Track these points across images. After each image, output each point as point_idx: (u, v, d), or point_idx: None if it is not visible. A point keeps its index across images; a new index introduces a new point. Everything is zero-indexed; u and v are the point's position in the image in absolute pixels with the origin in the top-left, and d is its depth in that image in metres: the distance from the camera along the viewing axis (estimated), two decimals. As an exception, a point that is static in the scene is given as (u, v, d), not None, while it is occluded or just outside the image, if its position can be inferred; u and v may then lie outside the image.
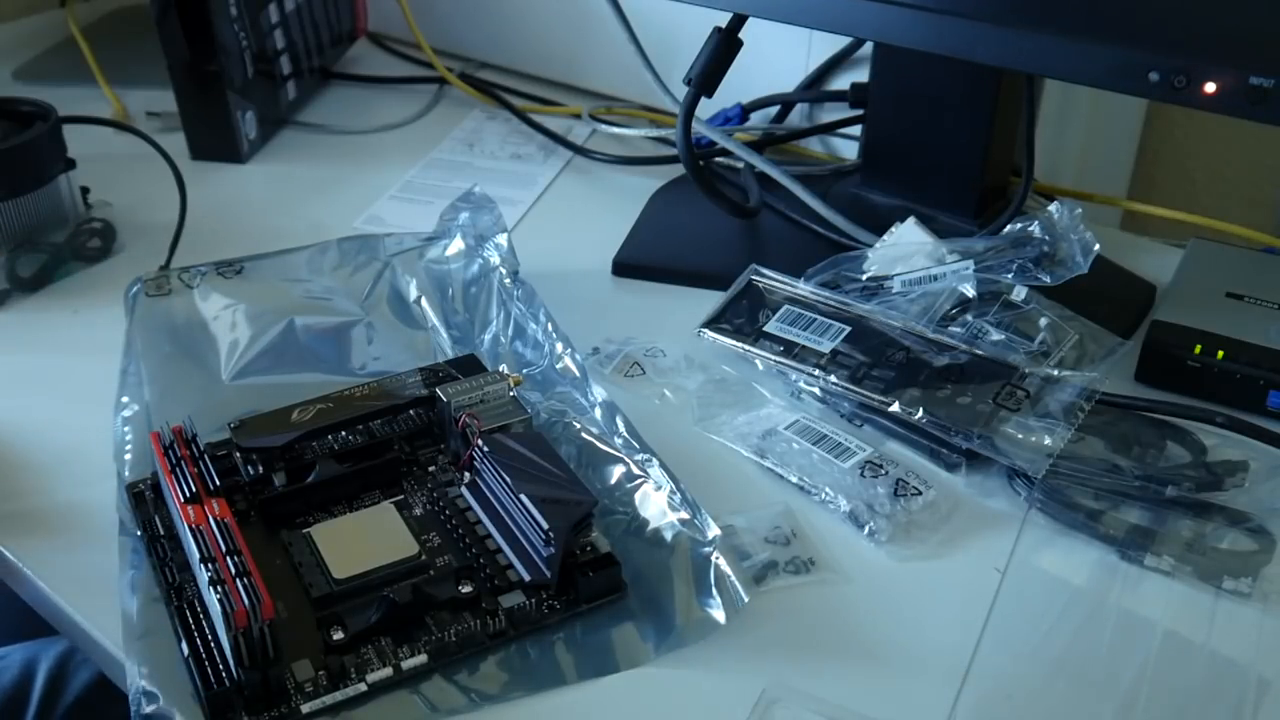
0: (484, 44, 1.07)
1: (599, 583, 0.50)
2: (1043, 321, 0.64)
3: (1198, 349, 0.62)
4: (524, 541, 0.51)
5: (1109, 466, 0.57)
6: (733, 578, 0.50)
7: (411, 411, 0.59)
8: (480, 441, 0.54)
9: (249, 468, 0.55)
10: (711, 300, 0.70)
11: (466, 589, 0.49)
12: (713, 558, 0.51)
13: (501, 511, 0.53)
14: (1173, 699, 0.47)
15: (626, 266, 0.77)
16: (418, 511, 0.55)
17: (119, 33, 1.14)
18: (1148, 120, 1.23)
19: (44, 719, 0.69)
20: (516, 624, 0.49)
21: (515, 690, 0.47)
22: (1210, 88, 0.55)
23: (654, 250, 0.79)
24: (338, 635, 0.48)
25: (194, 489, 0.51)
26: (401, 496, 0.55)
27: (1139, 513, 0.56)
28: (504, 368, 0.60)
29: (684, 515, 0.53)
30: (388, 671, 0.47)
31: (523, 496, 0.50)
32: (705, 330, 0.68)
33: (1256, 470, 0.57)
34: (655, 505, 0.54)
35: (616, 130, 0.95)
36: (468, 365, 0.61)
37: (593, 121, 0.97)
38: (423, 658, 0.47)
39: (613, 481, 0.56)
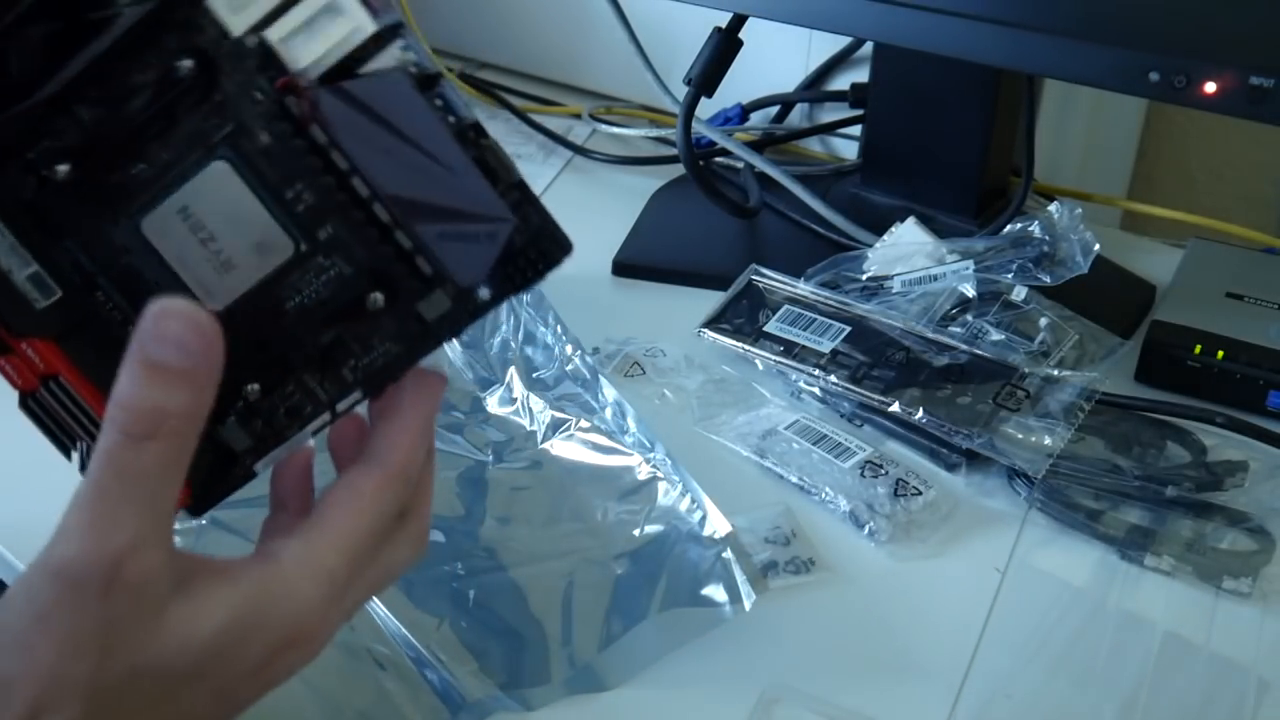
0: (484, 44, 1.07)
1: (540, 262, 0.36)
2: (1043, 321, 0.64)
3: (1198, 349, 0.62)
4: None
5: (1109, 466, 0.57)
6: (741, 575, 0.50)
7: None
8: (317, 110, 0.34)
9: None
10: (711, 300, 0.70)
11: (378, 300, 0.36)
12: (723, 554, 0.51)
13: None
14: (1173, 699, 0.47)
15: (626, 266, 0.77)
16: (264, 170, 0.35)
17: (119, 33, 1.14)
18: (1148, 120, 1.23)
19: None
20: (443, 334, 0.37)
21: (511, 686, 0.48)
22: (1210, 88, 0.55)
23: (654, 250, 0.79)
24: (253, 390, 0.37)
25: None
26: (224, 143, 0.35)
27: (1139, 513, 0.56)
28: None
29: (697, 513, 0.53)
30: (326, 417, 0.37)
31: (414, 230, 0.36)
32: (705, 330, 0.68)
33: (1256, 470, 0.57)
34: (667, 503, 0.54)
35: (616, 130, 0.95)
36: None
37: (593, 121, 0.97)
38: (357, 393, 0.37)
39: (625, 480, 0.56)
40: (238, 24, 0.34)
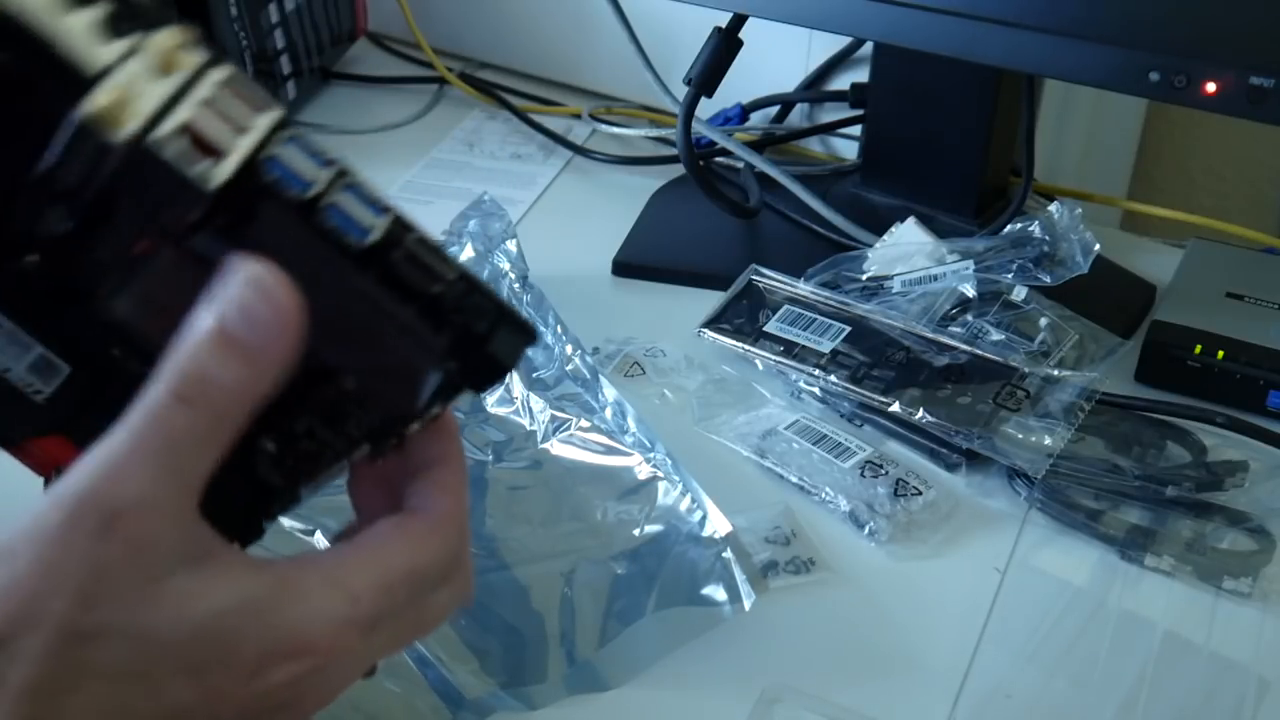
0: (484, 44, 1.07)
1: (492, 369, 0.34)
2: (1043, 321, 0.64)
3: (1198, 349, 0.62)
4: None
5: (1109, 466, 0.57)
6: (740, 575, 0.50)
7: None
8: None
9: None
10: (711, 300, 0.70)
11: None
12: (723, 554, 0.51)
13: None
14: (1173, 699, 0.47)
15: (626, 266, 0.77)
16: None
17: (119, 33, 1.14)
18: (1148, 120, 1.23)
19: None
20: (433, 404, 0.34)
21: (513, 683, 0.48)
22: (1210, 88, 0.55)
23: (654, 250, 0.79)
24: (269, 447, 0.34)
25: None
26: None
27: (1139, 513, 0.56)
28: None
29: (697, 513, 0.53)
30: (343, 464, 0.35)
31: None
32: (705, 330, 0.68)
33: (1256, 470, 0.57)
34: (667, 502, 0.54)
35: (616, 130, 0.95)
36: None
37: (593, 121, 0.97)
38: (365, 448, 0.35)
39: (625, 479, 0.56)
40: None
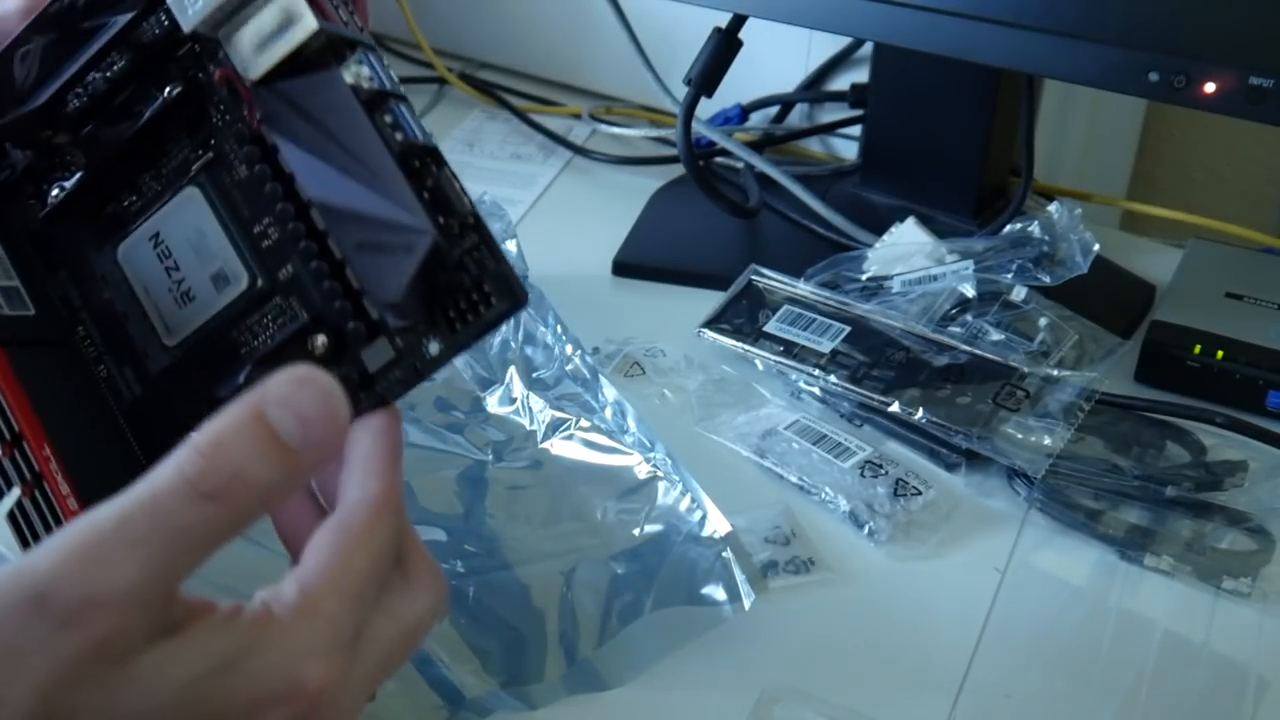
0: (484, 44, 1.07)
1: (482, 304, 0.34)
2: (1043, 321, 0.64)
3: (1198, 349, 0.62)
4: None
5: (1109, 466, 0.57)
6: (740, 574, 0.50)
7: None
8: (258, 114, 0.35)
9: None
10: (711, 300, 0.70)
11: (324, 344, 0.35)
12: (723, 554, 0.51)
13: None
14: (1173, 699, 0.47)
15: (626, 266, 0.77)
16: (236, 202, 0.37)
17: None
18: (1148, 120, 1.23)
19: None
20: (388, 387, 0.35)
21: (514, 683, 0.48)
22: (1210, 88, 0.55)
23: (654, 250, 0.79)
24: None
25: None
26: (201, 172, 0.37)
27: (1139, 513, 0.56)
28: None
29: (697, 512, 0.53)
30: None
31: (334, 243, 0.34)
32: (705, 330, 0.68)
33: (1256, 470, 0.57)
34: (667, 502, 0.54)
35: (616, 130, 0.95)
36: None
37: (593, 121, 0.97)
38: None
39: (625, 479, 0.56)
40: (187, 22, 0.34)
